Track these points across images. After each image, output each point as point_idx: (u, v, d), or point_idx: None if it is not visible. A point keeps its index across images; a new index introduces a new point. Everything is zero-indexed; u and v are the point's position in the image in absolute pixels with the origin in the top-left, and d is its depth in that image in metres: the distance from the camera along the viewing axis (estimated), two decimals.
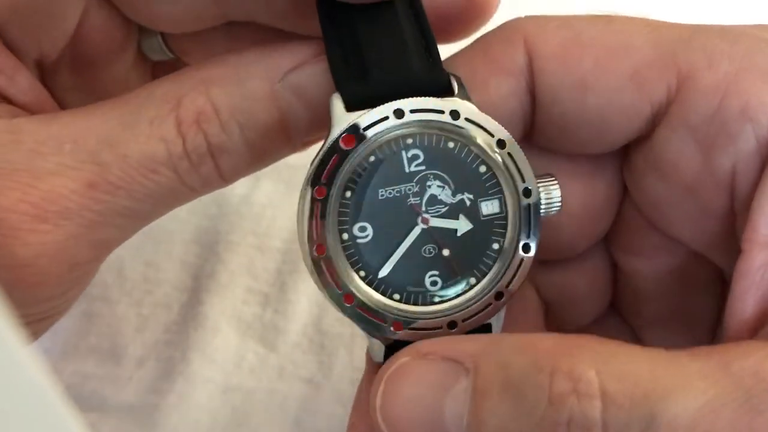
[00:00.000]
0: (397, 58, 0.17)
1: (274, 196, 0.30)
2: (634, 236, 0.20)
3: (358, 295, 0.16)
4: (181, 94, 0.16)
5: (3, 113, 0.17)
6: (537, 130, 0.18)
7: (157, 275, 0.28)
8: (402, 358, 0.15)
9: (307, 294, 0.27)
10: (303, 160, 0.30)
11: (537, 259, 0.17)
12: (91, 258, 0.18)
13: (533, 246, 0.17)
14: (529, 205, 0.16)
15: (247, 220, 0.29)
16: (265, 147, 0.18)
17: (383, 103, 0.16)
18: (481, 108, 0.17)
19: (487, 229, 0.17)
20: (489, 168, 0.17)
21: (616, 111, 0.17)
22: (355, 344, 0.26)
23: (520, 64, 0.17)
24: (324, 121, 0.16)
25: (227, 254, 0.28)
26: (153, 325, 0.26)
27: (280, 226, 0.29)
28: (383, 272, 0.16)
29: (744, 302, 0.16)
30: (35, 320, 0.18)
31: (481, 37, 0.18)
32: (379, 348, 0.17)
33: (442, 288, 0.17)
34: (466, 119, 0.16)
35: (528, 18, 0.18)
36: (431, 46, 0.17)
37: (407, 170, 0.16)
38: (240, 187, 0.30)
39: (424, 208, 0.16)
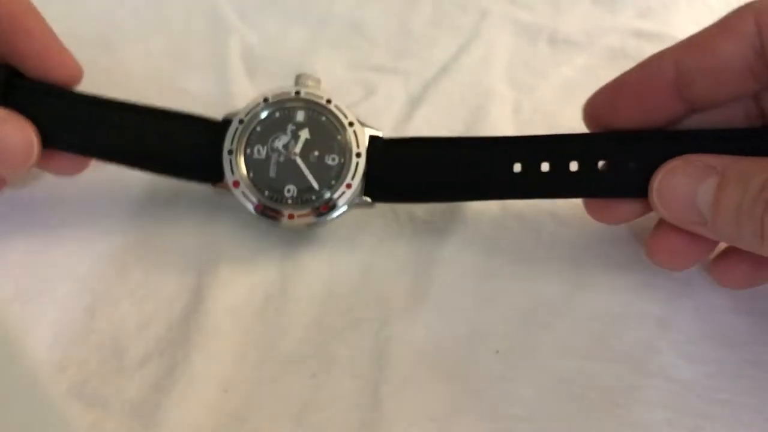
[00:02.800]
0: None
1: None
2: None
3: None
4: None
5: None
6: None
7: (160, 274, 0.28)
8: (674, 161, 0.24)
9: (308, 292, 0.27)
10: None
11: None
12: None
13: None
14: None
15: (249, 220, 0.29)
16: None
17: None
18: (710, 69, 0.24)
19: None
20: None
21: None
22: (355, 342, 0.26)
23: (748, 29, 0.23)
24: None
25: (229, 253, 0.28)
26: (155, 323, 0.26)
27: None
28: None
29: None
30: None
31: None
32: None
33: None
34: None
35: (757, 0, 0.24)
36: None
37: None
38: None
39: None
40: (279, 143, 0.27)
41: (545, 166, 0.26)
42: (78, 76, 0.28)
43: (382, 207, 0.30)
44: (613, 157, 0.26)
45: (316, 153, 0.27)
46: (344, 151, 0.27)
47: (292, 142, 0.27)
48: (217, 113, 0.31)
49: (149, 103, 0.28)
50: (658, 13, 0.40)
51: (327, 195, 0.27)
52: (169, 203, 0.30)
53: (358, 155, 0.27)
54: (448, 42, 0.38)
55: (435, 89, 0.35)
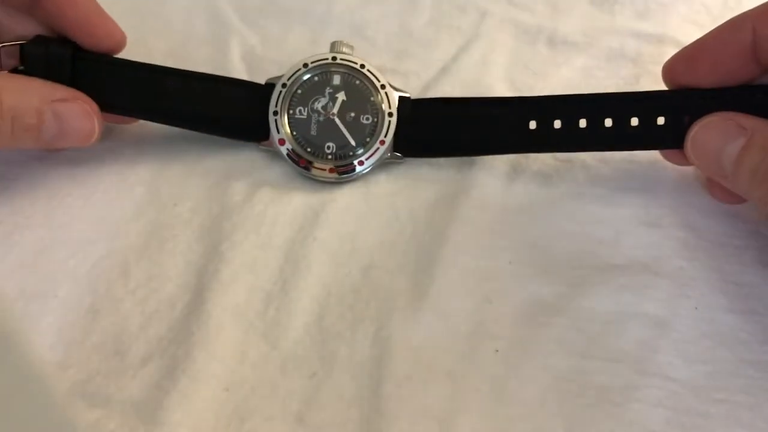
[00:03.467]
0: None
1: (276, 196, 0.31)
2: None
3: None
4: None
5: None
6: None
7: (162, 274, 0.28)
8: (712, 116, 0.26)
9: (308, 292, 0.27)
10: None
11: None
12: None
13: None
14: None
15: (250, 220, 0.30)
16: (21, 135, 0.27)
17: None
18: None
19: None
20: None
21: None
22: (356, 341, 0.26)
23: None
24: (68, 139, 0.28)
25: (230, 253, 0.28)
26: (157, 323, 0.26)
27: (282, 225, 0.30)
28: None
29: None
30: None
31: None
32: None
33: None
34: None
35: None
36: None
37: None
38: (242, 187, 0.31)
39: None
40: (318, 105, 0.30)
41: (558, 123, 0.29)
42: (123, 42, 0.30)
43: (382, 207, 0.30)
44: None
45: (352, 114, 0.30)
46: (377, 111, 0.30)
47: (330, 103, 0.30)
48: None
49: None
50: (656, 14, 0.40)
51: (361, 150, 0.30)
52: (170, 204, 0.30)
53: (390, 115, 0.30)
54: (447, 43, 0.38)
55: (435, 90, 0.36)
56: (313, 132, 0.30)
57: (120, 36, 0.30)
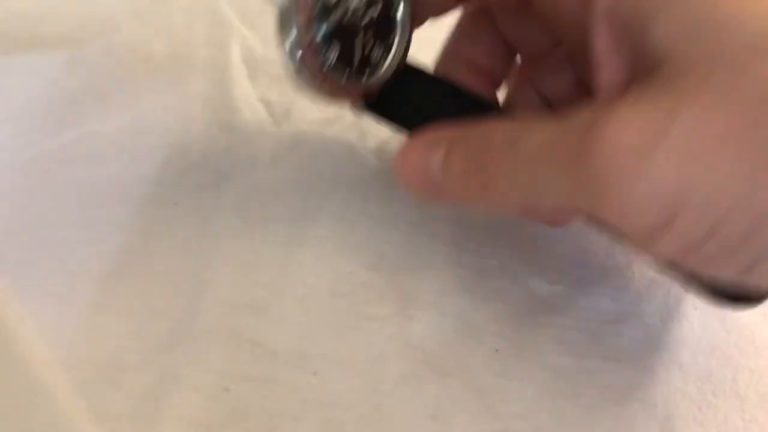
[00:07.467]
0: None
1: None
2: None
3: None
4: None
5: None
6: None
7: (162, 273, 0.28)
8: (411, 139, 0.25)
9: (308, 291, 0.27)
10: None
11: None
12: None
13: None
14: None
15: (250, 220, 0.30)
16: None
17: None
18: None
19: None
20: None
21: None
22: (356, 341, 0.26)
23: None
24: None
25: (231, 251, 0.28)
26: (156, 322, 0.26)
27: (281, 223, 0.30)
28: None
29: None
30: None
31: None
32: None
33: None
34: None
35: None
36: None
37: None
38: None
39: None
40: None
41: None
42: None
43: (381, 207, 0.30)
44: None
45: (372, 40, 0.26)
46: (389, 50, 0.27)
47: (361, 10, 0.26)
48: (218, 115, 0.31)
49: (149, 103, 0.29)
50: None
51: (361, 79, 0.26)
52: (169, 205, 0.30)
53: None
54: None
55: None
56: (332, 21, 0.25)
57: None
